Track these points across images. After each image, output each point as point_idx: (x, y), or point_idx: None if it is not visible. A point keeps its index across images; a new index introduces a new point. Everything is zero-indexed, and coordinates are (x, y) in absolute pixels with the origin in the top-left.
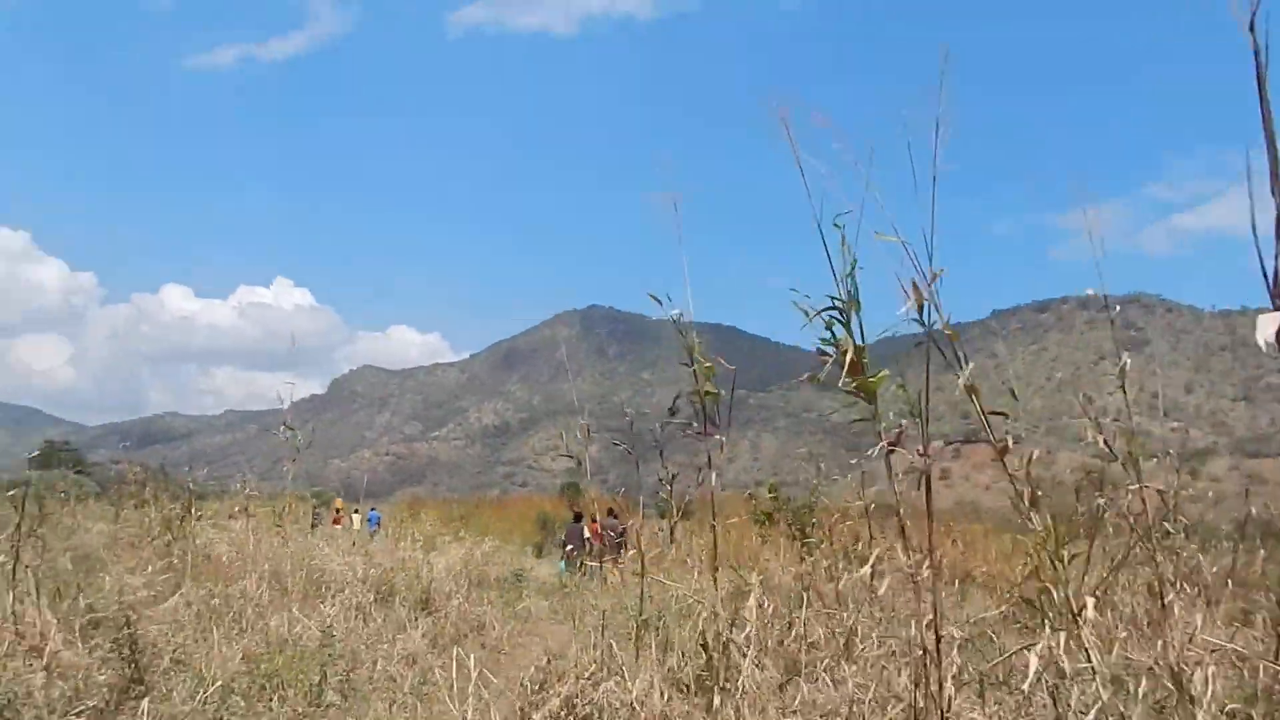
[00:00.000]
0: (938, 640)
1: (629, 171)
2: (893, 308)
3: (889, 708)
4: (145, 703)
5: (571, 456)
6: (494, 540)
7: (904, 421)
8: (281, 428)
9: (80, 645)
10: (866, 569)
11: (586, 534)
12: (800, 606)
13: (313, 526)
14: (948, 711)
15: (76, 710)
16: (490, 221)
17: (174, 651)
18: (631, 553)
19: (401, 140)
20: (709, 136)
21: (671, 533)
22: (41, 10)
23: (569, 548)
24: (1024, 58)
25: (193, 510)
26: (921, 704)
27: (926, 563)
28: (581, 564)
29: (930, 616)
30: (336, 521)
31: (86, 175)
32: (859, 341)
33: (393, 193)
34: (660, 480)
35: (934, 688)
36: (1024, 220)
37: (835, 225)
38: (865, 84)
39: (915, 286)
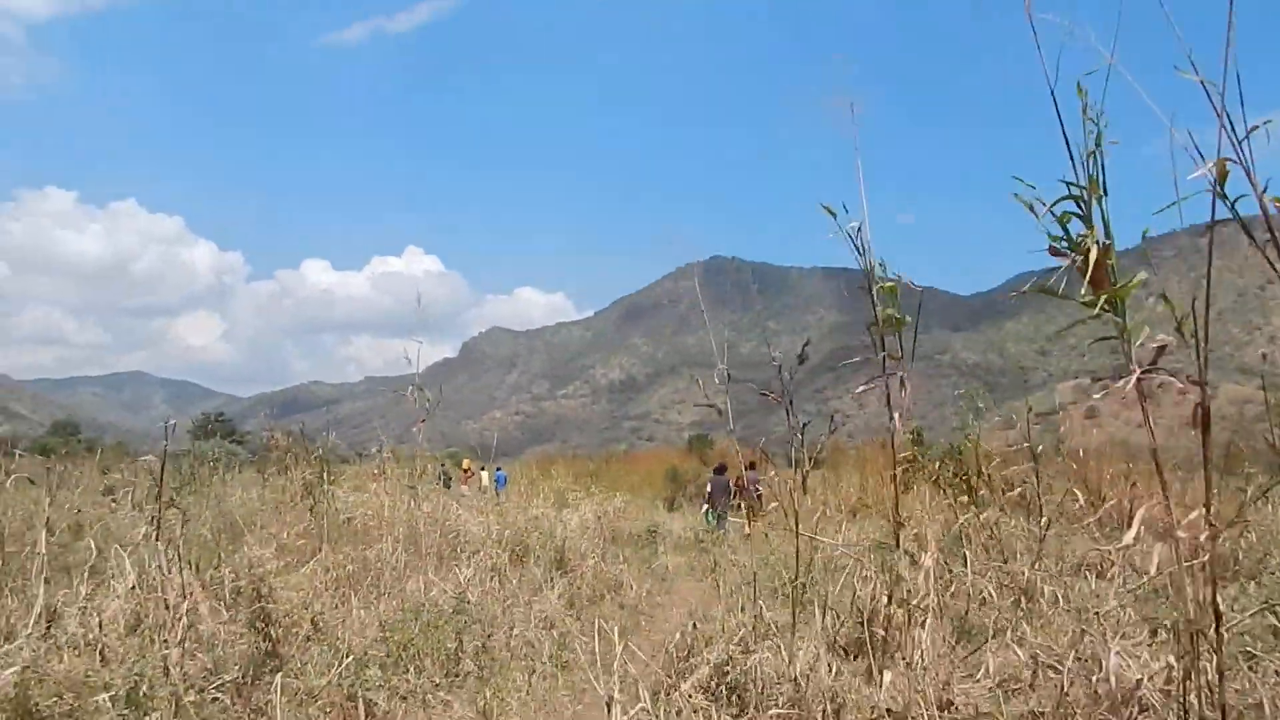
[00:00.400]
0: (1217, 618)
1: (748, 118)
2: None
3: (1094, 679)
4: (279, 678)
5: (712, 405)
6: (625, 496)
7: (1166, 338)
8: (410, 390)
9: (222, 613)
10: (1131, 534)
11: (731, 486)
12: (962, 561)
13: (446, 486)
14: (1217, 688)
15: (214, 684)
16: (609, 179)
17: (311, 619)
18: (774, 505)
19: (520, 104)
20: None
21: (804, 483)
22: (177, 10)
23: (711, 499)
24: None
25: (327, 475)
26: (1182, 677)
27: (1203, 520)
28: (722, 517)
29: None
30: (465, 481)
31: (229, 159)
32: (1104, 238)
33: (512, 158)
34: (791, 429)
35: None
36: (1176, 138)
37: (1079, 90)
38: None
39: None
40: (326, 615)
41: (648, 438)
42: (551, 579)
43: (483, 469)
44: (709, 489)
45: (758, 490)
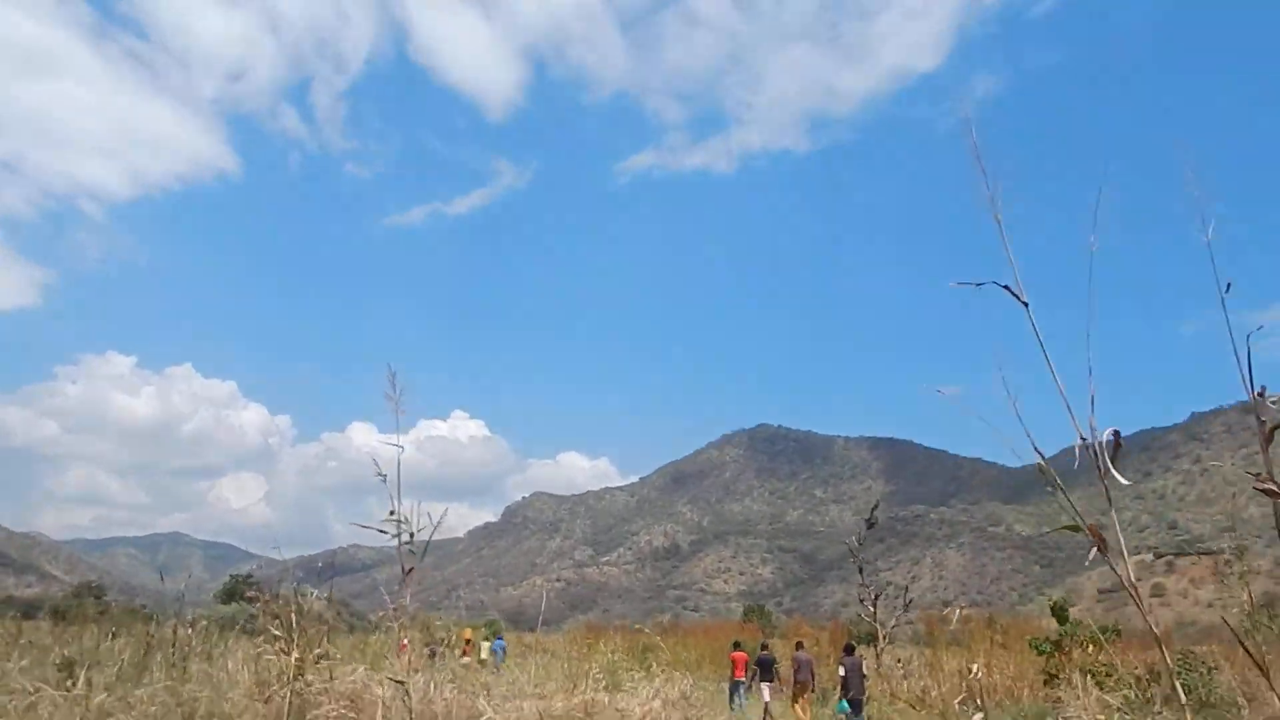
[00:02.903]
0: None
1: (786, 294)
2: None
3: None
4: None
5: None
6: (686, 673)
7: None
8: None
9: None
10: None
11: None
12: None
13: (430, 656)
14: None
15: None
16: (655, 347)
17: None
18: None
19: (569, 279)
20: (869, 255)
21: (879, 657)
22: (252, 193)
23: (753, 679)
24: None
25: (324, 649)
26: None
27: None
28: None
29: None
30: (465, 652)
31: (295, 328)
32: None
33: (561, 325)
34: (861, 600)
35: None
36: (1216, 318)
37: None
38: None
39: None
40: None
41: (693, 607)
42: None
43: (485, 639)
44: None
45: (809, 670)
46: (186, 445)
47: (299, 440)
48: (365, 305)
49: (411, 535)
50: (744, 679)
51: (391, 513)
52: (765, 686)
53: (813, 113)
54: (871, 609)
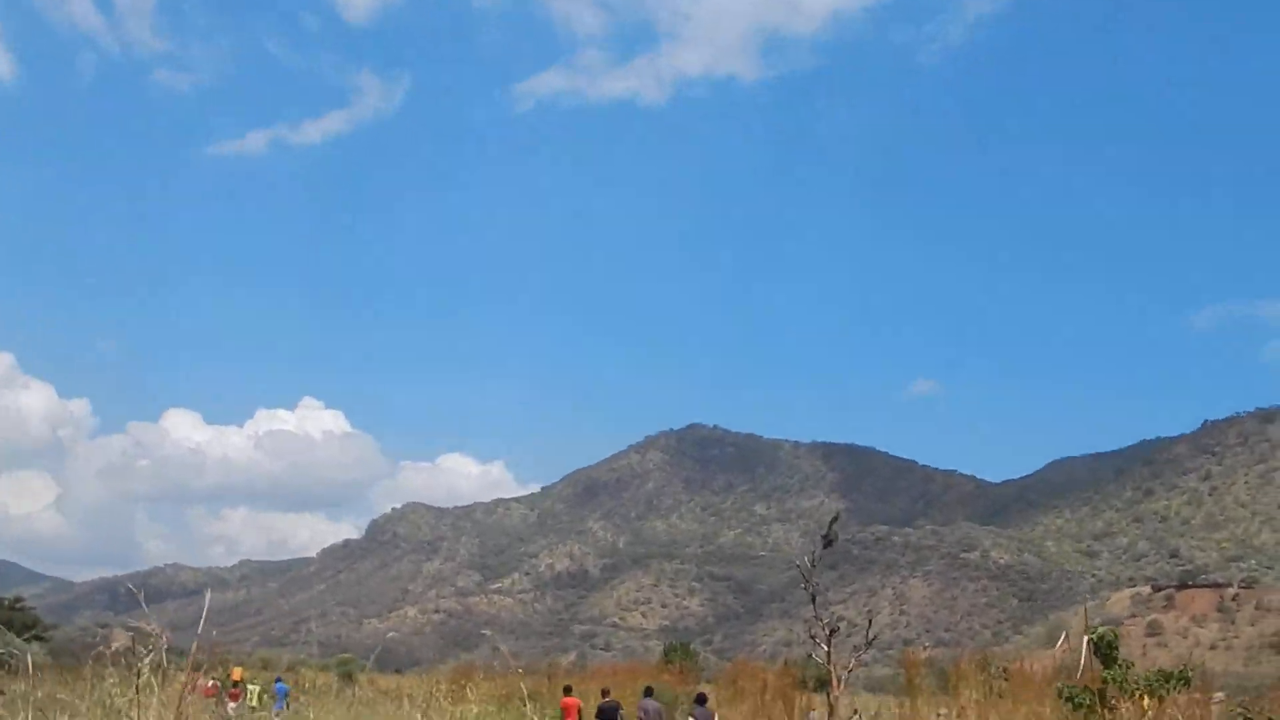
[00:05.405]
0: None
1: (737, 264)
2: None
3: None
4: None
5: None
6: None
7: None
8: None
9: None
10: None
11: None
12: None
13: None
14: None
15: None
16: (563, 328)
17: None
18: None
19: (449, 233)
20: (834, 219)
21: (831, 710)
22: (30, 107)
23: None
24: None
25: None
26: None
27: None
28: None
29: None
30: (232, 695)
31: (82, 285)
32: None
33: (442, 296)
34: (812, 636)
35: None
36: (1229, 310)
37: None
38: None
39: None
40: None
41: (603, 646)
42: None
43: (250, 682)
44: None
45: None
46: None
47: (99, 431)
48: (186, 259)
49: None
50: None
51: None
52: None
53: (767, 31)
54: (825, 648)
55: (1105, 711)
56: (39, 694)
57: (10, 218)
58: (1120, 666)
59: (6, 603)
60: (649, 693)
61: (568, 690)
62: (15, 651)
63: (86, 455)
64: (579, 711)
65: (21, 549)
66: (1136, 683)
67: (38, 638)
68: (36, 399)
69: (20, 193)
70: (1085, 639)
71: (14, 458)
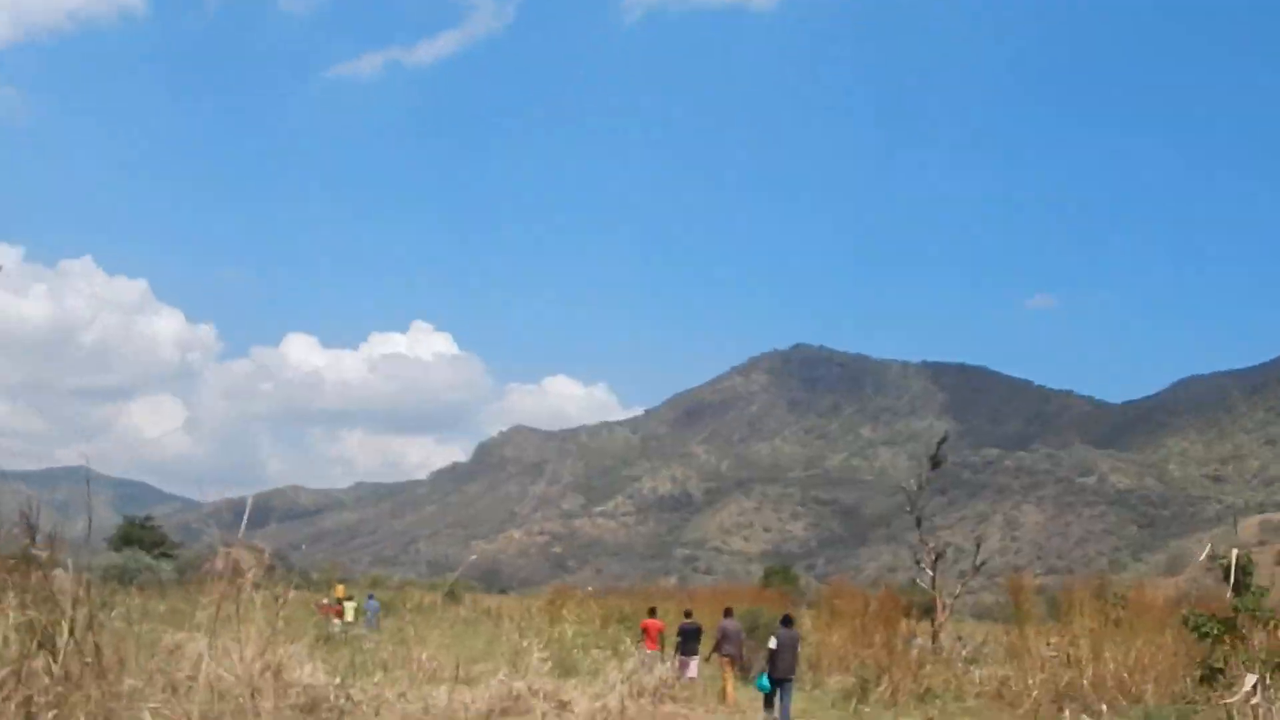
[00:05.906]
0: None
1: (834, 182)
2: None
3: None
4: None
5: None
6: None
7: None
8: None
9: None
10: None
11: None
12: None
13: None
14: None
15: None
16: (667, 248)
17: None
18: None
19: (558, 156)
20: (948, 127)
21: (935, 636)
22: (160, 38)
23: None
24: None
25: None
26: None
27: None
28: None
29: None
30: (336, 612)
31: (206, 211)
32: None
33: (547, 222)
34: (918, 561)
35: None
36: None
37: None
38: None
39: None
40: None
41: (705, 570)
42: None
43: (349, 599)
44: (774, 645)
45: (737, 642)
46: (88, 359)
47: (225, 356)
48: (303, 185)
49: None
50: (658, 652)
51: None
52: (692, 661)
53: None
54: (930, 574)
55: (1237, 641)
56: (161, 607)
57: (141, 145)
58: (1254, 593)
59: (137, 521)
60: (728, 613)
61: (652, 612)
62: (160, 569)
63: (213, 379)
64: (659, 632)
65: (152, 470)
66: (1272, 611)
67: (165, 555)
68: (167, 324)
69: (151, 121)
70: (1229, 557)
71: (148, 382)
